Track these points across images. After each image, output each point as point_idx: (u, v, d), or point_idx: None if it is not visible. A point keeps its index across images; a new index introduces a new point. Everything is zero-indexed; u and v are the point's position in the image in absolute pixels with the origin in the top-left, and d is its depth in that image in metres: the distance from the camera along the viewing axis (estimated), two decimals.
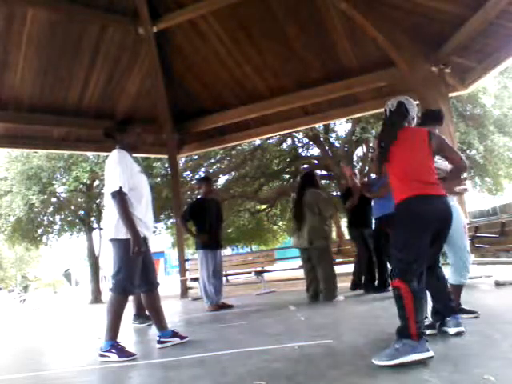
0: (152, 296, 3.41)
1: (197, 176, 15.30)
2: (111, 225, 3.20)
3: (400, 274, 2.44)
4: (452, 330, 2.70)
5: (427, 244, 2.51)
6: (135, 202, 3.24)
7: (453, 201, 3.16)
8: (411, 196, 2.54)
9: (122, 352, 3.06)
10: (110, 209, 3.24)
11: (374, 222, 5.72)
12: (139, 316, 5.06)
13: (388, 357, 2.19)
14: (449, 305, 2.83)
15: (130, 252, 3.09)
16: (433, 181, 2.61)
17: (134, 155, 3.50)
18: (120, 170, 3.18)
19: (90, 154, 12.42)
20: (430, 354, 2.19)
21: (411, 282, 2.40)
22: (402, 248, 2.51)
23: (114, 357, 3.03)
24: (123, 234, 3.14)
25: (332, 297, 5.31)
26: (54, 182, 13.78)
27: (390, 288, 2.92)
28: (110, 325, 3.15)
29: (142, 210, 3.29)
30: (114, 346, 3.09)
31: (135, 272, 3.19)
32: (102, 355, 3.08)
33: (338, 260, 7.85)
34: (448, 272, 3.16)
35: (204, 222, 5.74)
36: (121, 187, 3.13)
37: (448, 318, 2.78)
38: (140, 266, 3.23)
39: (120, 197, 3.13)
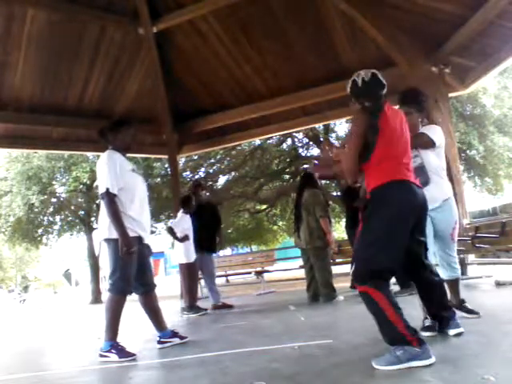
0: (149, 297, 3.40)
1: (197, 176, 15.31)
2: (105, 225, 3.20)
3: (370, 278, 2.15)
4: (451, 332, 2.65)
5: (407, 239, 2.25)
6: (128, 202, 3.22)
7: (450, 199, 3.10)
8: (396, 180, 2.25)
9: (121, 352, 3.06)
10: (103, 209, 3.24)
11: None
12: (192, 307, 5.54)
13: (388, 363, 2.10)
14: (447, 306, 2.71)
15: (121, 253, 3.08)
16: (412, 168, 2.38)
17: (134, 155, 3.50)
18: (107, 171, 3.18)
19: (89, 154, 12.41)
20: (432, 360, 2.07)
21: (384, 286, 2.16)
22: (378, 244, 2.18)
23: (114, 357, 3.03)
24: (116, 234, 3.12)
25: (331, 298, 5.30)
26: (54, 183, 13.78)
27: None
28: (109, 325, 3.14)
29: (136, 209, 3.26)
30: (113, 346, 3.09)
31: (131, 271, 3.18)
32: (101, 355, 3.08)
33: (338, 260, 7.84)
34: (439, 271, 3.02)
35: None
36: (108, 188, 3.13)
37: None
38: (135, 265, 3.22)
39: (108, 198, 3.13)
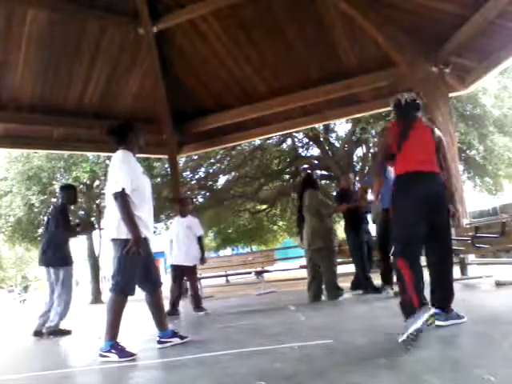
0: (154, 296, 3.43)
1: (197, 176, 15.30)
2: (113, 225, 3.20)
3: (398, 252, 2.77)
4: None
5: (419, 221, 2.79)
6: (138, 203, 3.24)
7: None
8: (404, 172, 2.89)
9: (122, 352, 3.06)
10: (111, 209, 3.24)
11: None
12: (198, 307, 5.65)
13: (405, 332, 2.42)
14: (446, 297, 2.90)
15: (129, 252, 3.10)
16: (427, 159, 2.92)
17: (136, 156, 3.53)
18: (124, 170, 3.18)
19: (89, 154, 12.41)
20: (431, 311, 2.55)
21: (408, 259, 2.71)
22: (397, 224, 2.84)
23: (114, 357, 3.03)
24: (124, 234, 3.14)
25: (333, 297, 5.30)
26: (54, 182, 13.77)
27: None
28: (110, 325, 3.15)
29: (145, 210, 3.29)
30: (114, 346, 3.09)
31: (134, 273, 3.20)
32: (102, 355, 3.08)
33: (338, 260, 7.83)
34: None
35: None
36: (123, 188, 3.13)
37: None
38: (140, 266, 3.23)
39: (122, 198, 3.12)
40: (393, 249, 2.87)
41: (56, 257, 5.03)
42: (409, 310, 2.58)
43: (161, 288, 3.47)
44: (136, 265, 3.19)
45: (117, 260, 3.19)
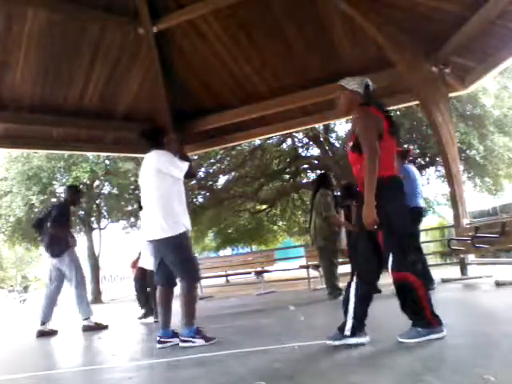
0: (168, 291, 3.50)
1: (197, 176, 15.28)
2: (156, 226, 3.30)
3: (408, 265, 2.55)
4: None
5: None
6: (179, 200, 3.39)
7: None
8: (391, 175, 2.66)
9: (205, 337, 3.20)
10: (152, 210, 3.33)
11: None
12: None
13: (410, 337, 2.52)
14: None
15: (184, 244, 3.29)
16: None
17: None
18: (169, 163, 3.42)
19: (90, 154, 12.40)
20: (444, 333, 2.50)
21: (419, 269, 2.67)
22: (402, 234, 2.58)
23: (199, 342, 3.16)
24: (172, 231, 3.25)
25: (332, 297, 5.31)
26: (53, 182, 13.78)
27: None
28: (190, 311, 3.26)
29: (184, 204, 3.45)
30: (197, 331, 3.21)
31: (195, 258, 3.49)
32: (184, 341, 3.18)
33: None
34: None
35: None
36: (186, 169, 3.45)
37: None
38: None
39: (189, 171, 3.47)
40: (395, 262, 2.55)
41: (60, 247, 5.18)
42: (422, 321, 2.54)
43: (175, 285, 3.54)
44: (192, 252, 3.47)
45: (177, 255, 3.29)
